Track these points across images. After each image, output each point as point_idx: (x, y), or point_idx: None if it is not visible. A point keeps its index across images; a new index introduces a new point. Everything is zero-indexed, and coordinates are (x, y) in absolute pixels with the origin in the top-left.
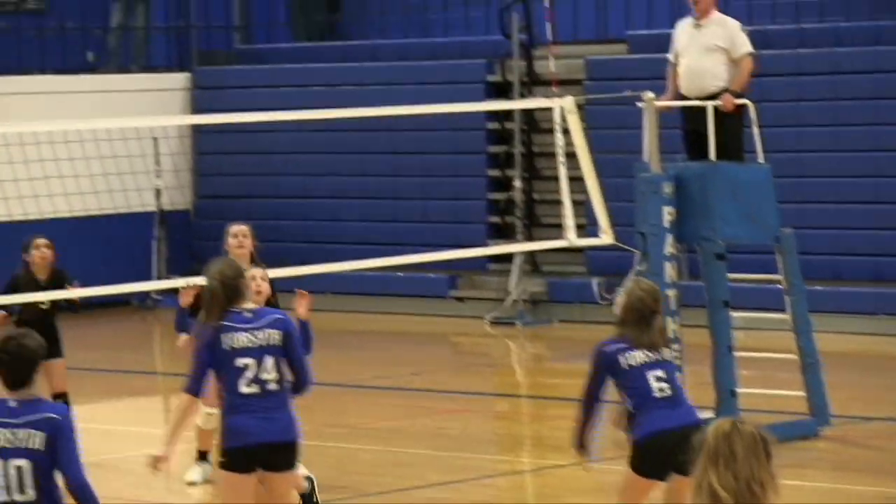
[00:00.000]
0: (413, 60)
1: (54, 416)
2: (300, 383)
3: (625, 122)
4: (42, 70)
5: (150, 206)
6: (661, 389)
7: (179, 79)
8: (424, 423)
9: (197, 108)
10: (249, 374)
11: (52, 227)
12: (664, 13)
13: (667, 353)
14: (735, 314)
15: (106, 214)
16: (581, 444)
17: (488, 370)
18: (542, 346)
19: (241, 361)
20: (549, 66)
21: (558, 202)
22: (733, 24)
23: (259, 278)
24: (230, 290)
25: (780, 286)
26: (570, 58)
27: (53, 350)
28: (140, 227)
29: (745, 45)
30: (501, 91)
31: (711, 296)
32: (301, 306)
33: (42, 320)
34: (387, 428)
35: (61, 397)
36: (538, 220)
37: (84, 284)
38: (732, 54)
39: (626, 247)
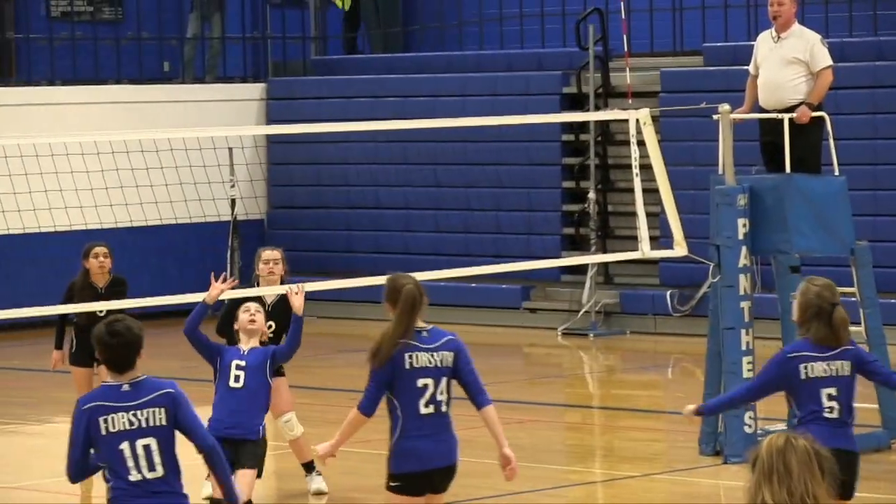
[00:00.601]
0: (488, 72)
1: (168, 389)
2: (477, 398)
3: (699, 134)
4: (118, 80)
5: (225, 215)
6: (830, 409)
7: (254, 89)
8: (522, 437)
9: (271, 119)
10: (428, 394)
11: (129, 236)
12: (740, 25)
13: (846, 366)
14: None
15: (181, 223)
16: (702, 411)
17: (560, 381)
18: (614, 357)
19: (421, 381)
20: (624, 77)
21: (632, 214)
22: (813, 37)
23: (272, 261)
24: (421, 304)
25: (855, 299)
26: (645, 69)
27: None
28: (214, 237)
29: (824, 59)
30: (577, 102)
31: (785, 308)
32: (296, 302)
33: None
34: (459, 438)
35: None
36: (612, 232)
37: (145, 293)
38: (812, 67)
39: (701, 259)
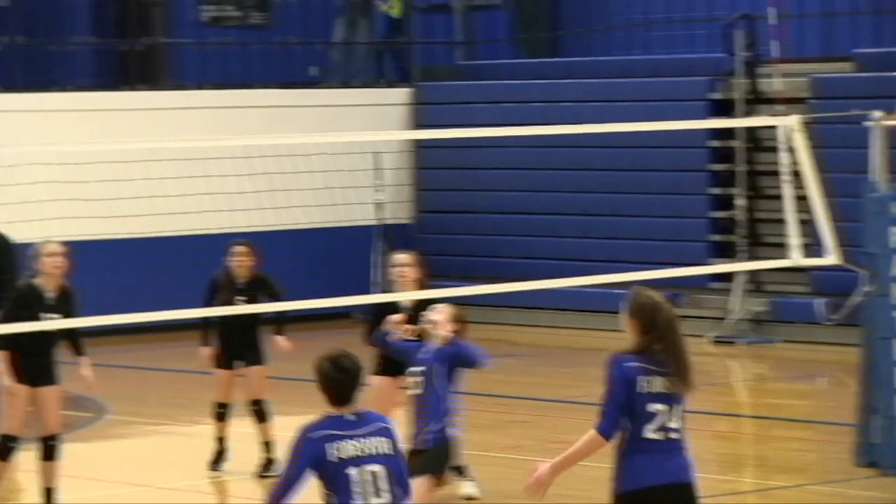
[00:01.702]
0: (635, 77)
1: (387, 425)
2: None
3: (851, 141)
4: (266, 84)
5: (372, 219)
6: None
7: (401, 94)
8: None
9: (418, 124)
10: (659, 420)
11: (276, 239)
12: (892, 31)
13: None
14: None
15: (328, 227)
16: None
17: (709, 389)
18: (764, 365)
19: (653, 407)
20: (773, 83)
21: (781, 221)
22: None
23: (404, 265)
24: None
25: None
26: (794, 76)
27: (253, 357)
28: (361, 241)
29: None
30: (724, 109)
31: None
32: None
33: (243, 327)
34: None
35: (257, 404)
36: (760, 239)
37: (292, 297)
38: None
39: (854, 267)
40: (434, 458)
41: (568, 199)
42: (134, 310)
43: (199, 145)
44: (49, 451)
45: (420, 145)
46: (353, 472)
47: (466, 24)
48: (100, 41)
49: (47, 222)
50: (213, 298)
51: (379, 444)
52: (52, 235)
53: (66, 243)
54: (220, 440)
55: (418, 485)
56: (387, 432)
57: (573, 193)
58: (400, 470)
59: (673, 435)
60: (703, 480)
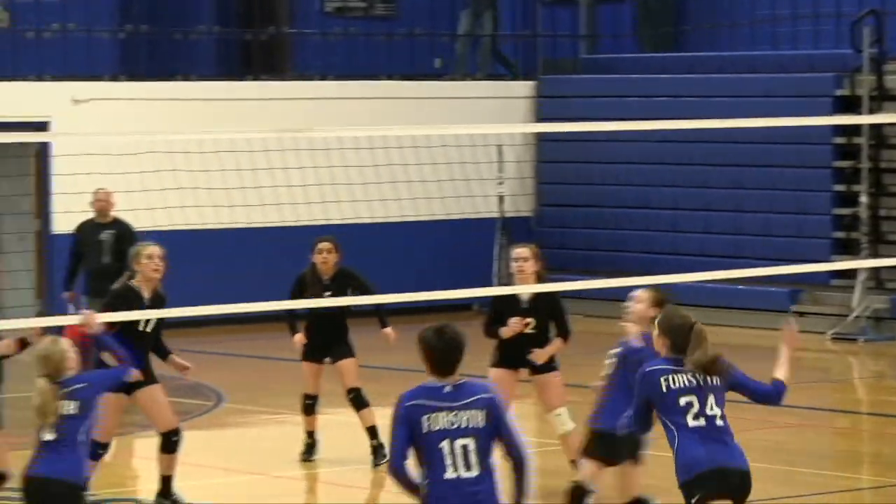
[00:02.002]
0: (760, 73)
1: (487, 394)
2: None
3: None
4: (390, 75)
5: (493, 212)
6: None
7: (525, 87)
8: (763, 436)
9: (541, 117)
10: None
11: (399, 230)
12: None
13: None
14: None
15: (451, 219)
16: None
17: (828, 385)
18: (884, 363)
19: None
20: None
21: None
22: None
23: (521, 258)
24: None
25: None
26: None
27: (340, 352)
28: (483, 233)
29: None
30: (850, 105)
31: None
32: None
33: (330, 321)
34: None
35: (353, 392)
36: (884, 237)
37: (412, 288)
38: None
39: None
40: (628, 442)
41: (691, 194)
42: (257, 298)
43: (322, 135)
44: (171, 445)
45: (542, 139)
46: (444, 444)
47: (590, 18)
48: (224, 31)
49: (168, 210)
50: (300, 294)
51: (472, 416)
52: (173, 224)
53: (160, 241)
54: (310, 433)
55: (602, 467)
56: (484, 403)
57: (695, 189)
58: (492, 444)
59: (719, 422)
60: (821, 477)
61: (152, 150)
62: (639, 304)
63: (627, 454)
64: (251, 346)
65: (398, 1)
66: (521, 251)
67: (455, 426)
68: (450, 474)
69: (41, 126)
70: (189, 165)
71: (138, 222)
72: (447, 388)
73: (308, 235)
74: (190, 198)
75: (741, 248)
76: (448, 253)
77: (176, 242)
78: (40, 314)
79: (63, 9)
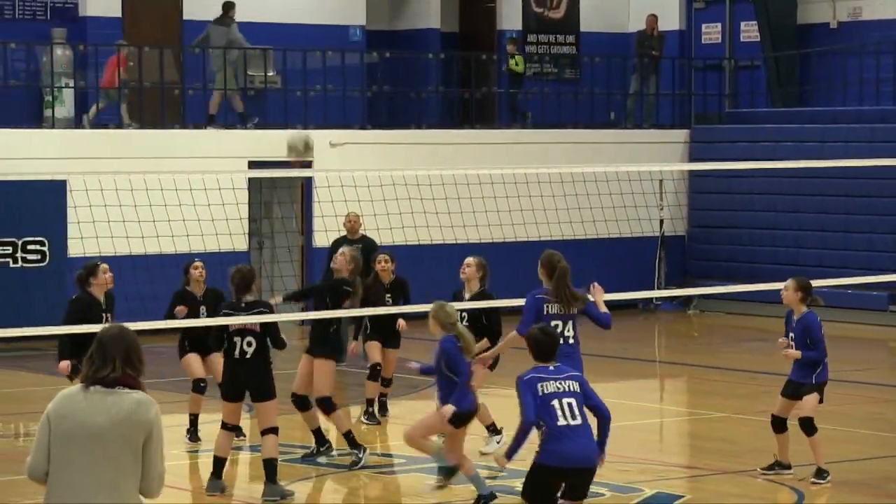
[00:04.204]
0: (865, 123)
1: (577, 372)
2: None
3: None
4: (575, 124)
5: (655, 232)
6: None
7: (680, 134)
8: (866, 409)
9: (692, 158)
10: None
11: (583, 245)
12: None
13: None
14: None
15: (622, 237)
16: None
17: None
18: None
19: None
20: None
21: None
22: None
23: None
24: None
25: None
26: None
27: (392, 341)
28: (646, 249)
29: None
30: None
31: None
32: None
33: (388, 319)
34: (832, 412)
35: (388, 383)
36: None
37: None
38: None
39: None
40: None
41: (809, 219)
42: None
43: (522, 171)
44: (321, 406)
45: (694, 175)
46: (555, 402)
47: (732, 80)
48: (447, 90)
49: (404, 229)
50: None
51: (571, 384)
52: (406, 241)
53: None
54: (370, 400)
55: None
56: (575, 378)
57: (813, 213)
58: (585, 402)
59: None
60: None
61: (392, 183)
62: (787, 290)
63: None
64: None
65: (581, 67)
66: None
67: (561, 390)
68: (561, 422)
69: (306, 164)
70: (420, 194)
71: (380, 239)
72: (551, 368)
73: (517, 250)
74: (422, 219)
75: (849, 260)
76: (619, 263)
77: (408, 255)
78: (304, 310)
79: (323, 73)
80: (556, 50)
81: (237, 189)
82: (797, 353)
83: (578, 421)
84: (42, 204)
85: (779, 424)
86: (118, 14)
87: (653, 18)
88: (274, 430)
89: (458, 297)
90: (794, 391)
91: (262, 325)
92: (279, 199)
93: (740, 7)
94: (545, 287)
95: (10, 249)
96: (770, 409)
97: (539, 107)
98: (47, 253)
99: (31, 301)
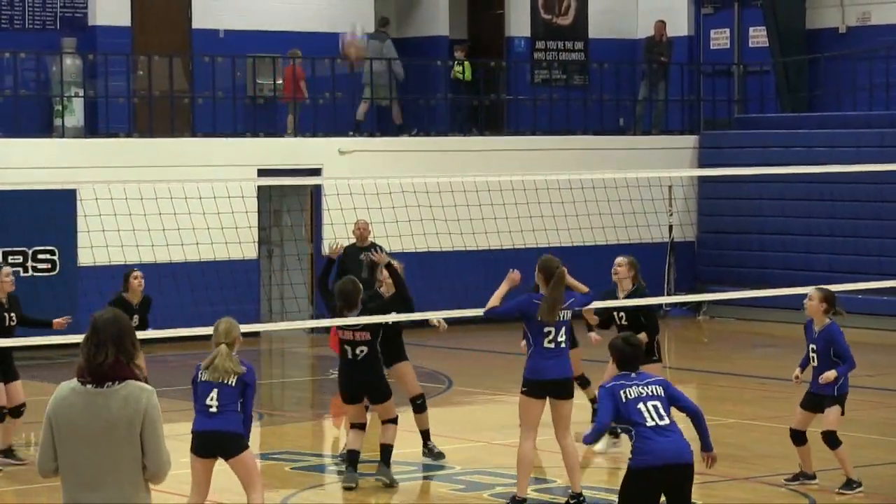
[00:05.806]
0: (875, 128)
1: (660, 377)
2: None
3: None
4: (584, 131)
5: (664, 238)
6: None
7: (689, 140)
8: (879, 414)
9: (702, 164)
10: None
11: (584, 252)
12: None
13: None
14: None
15: (631, 243)
16: None
17: None
18: None
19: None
20: None
21: None
22: None
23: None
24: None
25: None
26: None
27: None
28: (656, 254)
29: None
30: None
31: None
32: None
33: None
34: (844, 418)
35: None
36: None
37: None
38: None
39: None
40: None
41: (819, 224)
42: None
43: (531, 178)
44: (418, 407)
45: (703, 180)
46: (640, 406)
47: (741, 86)
48: (455, 97)
49: (413, 236)
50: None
51: (655, 389)
52: (416, 248)
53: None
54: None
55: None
56: (658, 382)
57: (823, 219)
58: (671, 404)
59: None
60: None
61: (401, 190)
62: (811, 301)
63: None
64: (475, 341)
65: (590, 73)
66: (623, 260)
67: (645, 394)
68: (650, 423)
69: (315, 171)
70: (429, 202)
71: (389, 246)
72: (633, 375)
73: (525, 257)
74: (430, 226)
75: (860, 265)
76: None
77: (417, 261)
78: (312, 316)
79: (332, 81)
80: (565, 56)
81: (246, 197)
82: (832, 375)
83: (666, 421)
84: (52, 213)
85: (798, 437)
86: (128, 23)
87: (661, 24)
88: (394, 421)
89: (611, 297)
90: (814, 404)
91: (373, 328)
92: (288, 206)
93: (749, 12)
94: (541, 293)
95: (20, 259)
96: (780, 415)
97: (548, 113)
98: (57, 262)
99: (41, 310)
